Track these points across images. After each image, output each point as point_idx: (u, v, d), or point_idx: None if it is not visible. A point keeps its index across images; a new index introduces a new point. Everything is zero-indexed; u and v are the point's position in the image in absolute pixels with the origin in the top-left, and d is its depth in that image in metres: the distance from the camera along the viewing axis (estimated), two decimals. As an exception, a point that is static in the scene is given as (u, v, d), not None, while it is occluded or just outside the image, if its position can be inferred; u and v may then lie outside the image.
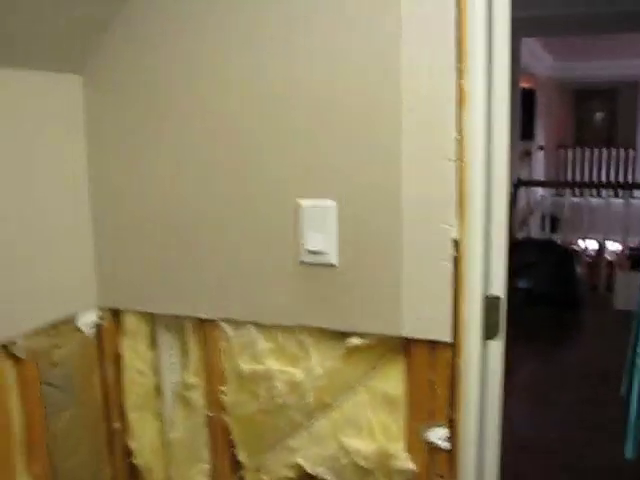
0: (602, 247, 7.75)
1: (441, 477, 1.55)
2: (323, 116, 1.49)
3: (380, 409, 1.58)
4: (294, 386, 1.63)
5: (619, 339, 4.43)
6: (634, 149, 10.72)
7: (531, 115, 9.14)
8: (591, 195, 8.37)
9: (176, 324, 1.79)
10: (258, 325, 1.65)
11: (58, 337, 1.73)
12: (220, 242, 1.63)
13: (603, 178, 10.80)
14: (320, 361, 1.60)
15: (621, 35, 7.18)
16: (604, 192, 8.49)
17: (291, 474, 1.72)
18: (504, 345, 1.57)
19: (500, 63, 1.44)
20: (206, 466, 1.84)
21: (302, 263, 1.55)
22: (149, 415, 1.90)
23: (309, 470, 1.67)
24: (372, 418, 1.59)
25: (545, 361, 4.74)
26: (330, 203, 1.50)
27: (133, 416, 1.89)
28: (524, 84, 8.20)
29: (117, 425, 1.92)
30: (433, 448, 1.54)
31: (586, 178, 10.74)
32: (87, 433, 1.86)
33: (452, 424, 1.53)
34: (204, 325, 1.72)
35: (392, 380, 1.56)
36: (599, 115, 10.60)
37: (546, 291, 5.83)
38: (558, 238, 7.73)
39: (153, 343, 1.86)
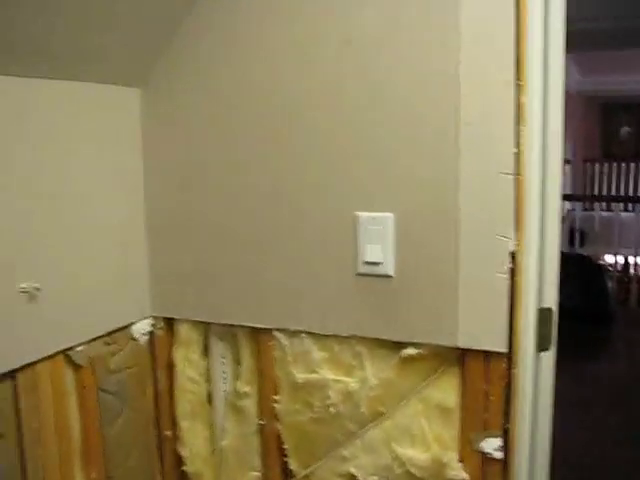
0: (627, 262, 7.71)
1: (494, 487, 1.57)
2: (382, 129, 1.52)
3: (434, 419, 1.60)
4: (348, 395, 1.65)
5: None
6: (662, 163, 10.66)
7: (558, 129, 9.07)
8: (620, 210, 8.32)
9: (229, 333, 1.82)
10: (313, 335, 1.67)
11: (114, 345, 1.77)
12: (277, 253, 1.66)
13: (630, 192, 10.73)
14: (375, 371, 1.62)
15: (647, 49, 7.15)
16: (631, 206, 8.43)
17: (343, 483, 1.74)
18: (555, 357, 1.58)
19: (555, 79, 1.47)
20: (257, 474, 1.86)
21: (359, 274, 1.58)
22: (200, 423, 1.93)
23: (361, 479, 1.69)
24: (426, 427, 1.60)
25: (577, 375, 4.72)
26: (388, 215, 1.53)
27: (184, 424, 1.91)
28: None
29: (168, 433, 1.95)
30: (486, 458, 1.56)
31: (613, 192, 10.69)
32: (139, 440, 1.89)
33: (505, 434, 1.54)
34: (258, 334, 1.75)
35: (446, 390, 1.58)
36: (626, 129, 10.56)
37: (577, 306, 5.79)
38: (586, 252, 7.69)
39: (206, 352, 1.89)
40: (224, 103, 1.69)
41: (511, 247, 1.45)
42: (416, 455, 1.61)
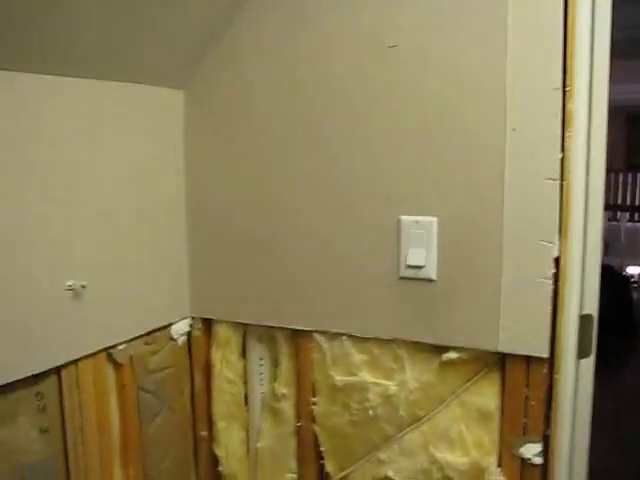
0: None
1: (532, 493, 1.56)
2: (426, 133, 1.52)
3: (473, 423, 1.60)
4: (387, 399, 1.66)
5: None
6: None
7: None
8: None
9: (268, 335, 1.83)
10: (353, 337, 1.68)
11: (154, 345, 1.79)
12: (318, 255, 1.68)
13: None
14: (415, 374, 1.63)
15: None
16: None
17: (380, 486, 1.74)
18: (594, 364, 1.58)
19: (600, 85, 1.47)
20: (292, 476, 1.87)
21: (401, 277, 1.58)
22: (236, 424, 1.94)
23: (398, 483, 1.70)
24: (465, 432, 1.61)
25: (602, 385, 4.67)
26: (432, 219, 1.53)
27: (221, 424, 1.92)
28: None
29: (204, 433, 1.96)
30: (525, 463, 1.56)
31: (637, 202, 10.60)
32: (175, 440, 1.90)
33: (545, 440, 1.54)
34: (297, 336, 1.76)
35: (486, 394, 1.58)
36: (651, 140, 10.48)
37: (602, 316, 5.73)
38: (610, 263, 7.63)
39: (243, 353, 1.90)
40: (265, 105, 1.70)
41: (555, 253, 1.45)
42: (455, 459, 1.61)
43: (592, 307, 1.54)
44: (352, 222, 1.62)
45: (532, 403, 1.52)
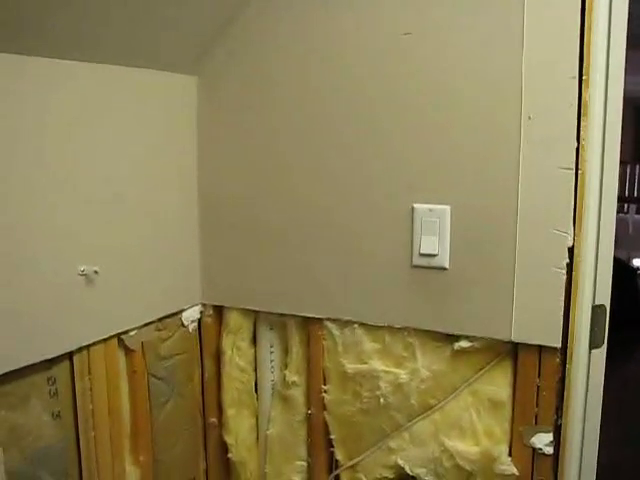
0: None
1: (543, 482, 1.56)
2: (441, 121, 1.52)
3: (485, 412, 1.60)
4: (398, 387, 1.66)
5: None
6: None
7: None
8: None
9: (279, 322, 1.83)
10: (365, 325, 1.68)
11: (165, 331, 1.79)
12: (331, 243, 1.67)
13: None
14: (426, 363, 1.63)
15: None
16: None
17: (389, 474, 1.74)
18: (605, 355, 1.58)
19: (616, 74, 1.46)
20: (302, 463, 1.87)
21: (414, 266, 1.58)
22: (246, 411, 1.94)
23: (408, 471, 1.69)
24: (476, 421, 1.60)
25: (609, 377, 4.66)
26: (445, 207, 1.53)
27: (231, 412, 1.93)
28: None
29: (213, 420, 1.97)
30: (536, 453, 1.55)
31: (644, 195, 10.57)
32: (185, 426, 1.91)
33: (557, 430, 1.54)
34: (308, 324, 1.76)
35: (498, 383, 1.58)
36: (661, 132, 10.41)
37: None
38: (618, 255, 7.60)
39: (254, 340, 1.90)
40: (278, 93, 1.70)
41: (569, 242, 1.44)
42: (465, 448, 1.61)
43: (604, 297, 1.54)
44: (365, 210, 1.62)
45: (544, 393, 1.52)
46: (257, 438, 1.97)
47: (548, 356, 1.50)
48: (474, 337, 1.56)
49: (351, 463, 1.78)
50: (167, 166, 1.74)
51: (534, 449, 1.55)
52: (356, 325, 1.69)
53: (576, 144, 1.41)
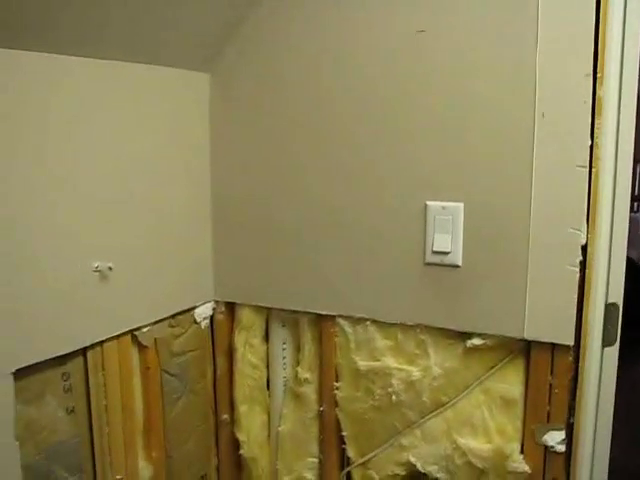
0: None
1: (555, 480, 1.56)
2: (454, 119, 1.52)
3: (497, 410, 1.60)
4: (410, 384, 1.66)
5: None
6: None
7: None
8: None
9: (291, 319, 1.84)
10: (377, 323, 1.68)
11: (178, 328, 1.80)
12: (343, 240, 1.68)
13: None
14: (438, 360, 1.63)
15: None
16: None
17: (401, 471, 1.74)
18: (618, 353, 1.58)
19: (630, 72, 1.45)
20: (314, 460, 1.88)
21: (427, 263, 1.58)
22: (258, 408, 1.95)
23: (420, 468, 1.70)
24: (488, 418, 1.61)
25: (618, 376, 4.63)
26: (458, 205, 1.53)
27: (242, 408, 1.93)
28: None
29: (225, 417, 1.97)
30: (548, 451, 1.55)
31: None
32: (197, 423, 1.91)
33: (569, 428, 1.53)
34: (321, 321, 1.77)
35: (510, 381, 1.58)
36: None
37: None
38: (629, 255, 7.56)
39: (266, 337, 1.91)
40: (291, 91, 1.70)
41: (582, 240, 1.44)
42: (477, 446, 1.61)
43: (617, 296, 1.54)
44: (378, 207, 1.62)
45: (556, 391, 1.52)
46: (269, 435, 1.97)
47: (561, 354, 1.50)
48: (486, 335, 1.56)
49: (363, 460, 1.79)
50: (180, 164, 1.75)
51: (546, 447, 1.55)
52: (368, 322, 1.69)
53: (590, 142, 1.41)
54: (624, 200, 1.50)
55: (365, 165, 1.62)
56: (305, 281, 1.74)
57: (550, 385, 1.53)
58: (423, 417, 1.67)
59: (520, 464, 1.57)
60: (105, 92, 1.50)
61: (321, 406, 1.82)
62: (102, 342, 1.56)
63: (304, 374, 1.82)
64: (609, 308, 1.52)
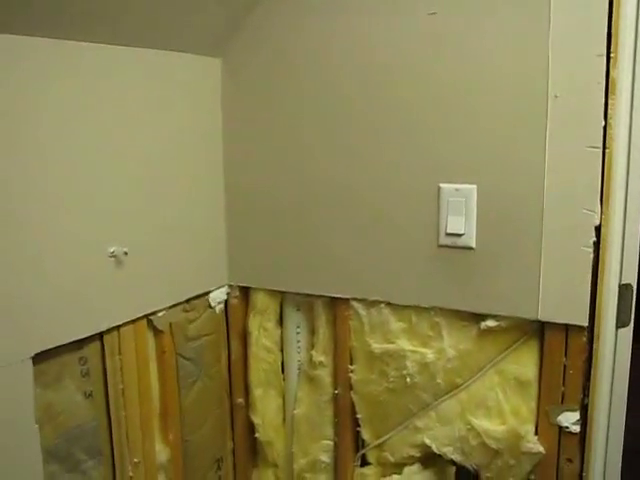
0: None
1: (569, 461, 1.57)
2: (466, 100, 1.52)
3: (511, 391, 1.60)
4: (424, 366, 1.67)
5: None
6: None
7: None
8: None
9: (305, 302, 1.84)
10: (391, 305, 1.69)
11: (192, 312, 1.81)
12: (357, 223, 1.68)
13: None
14: (452, 342, 1.63)
15: None
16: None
17: (415, 453, 1.75)
18: (631, 334, 1.58)
19: (643, 52, 1.45)
20: (329, 443, 1.89)
21: (440, 245, 1.58)
22: (273, 391, 1.96)
23: (435, 450, 1.71)
24: (502, 400, 1.61)
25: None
26: (471, 187, 1.53)
27: (257, 392, 1.95)
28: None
29: (240, 400, 1.99)
30: (563, 432, 1.56)
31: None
32: (213, 407, 1.93)
33: (583, 409, 1.54)
34: (335, 304, 1.77)
35: (524, 362, 1.58)
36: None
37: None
38: None
39: (280, 321, 1.92)
40: (302, 74, 1.70)
41: (596, 221, 1.44)
42: (492, 427, 1.62)
43: (632, 276, 1.54)
44: (391, 191, 1.62)
45: (570, 371, 1.52)
46: (284, 418, 1.99)
47: (575, 335, 1.51)
48: (500, 316, 1.56)
49: (377, 442, 1.80)
50: (194, 149, 1.75)
51: (560, 428, 1.56)
52: (383, 305, 1.70)
53: (603, 122, 1.40)
54: (638, 181, 1.49)
55: (378, 148, 1.62)
56: (319, 265, 1.75)
57: (564, 366, 1.53)
58: (437, 399, 1.68)
59: (535, 445, 1.57)
60: (118, 78, 1.50)
61: (336, 389, 1.83)
62: (118, 327, 1.58)
63: (318, 357, 1.83)
64: (623, 289, 1.52)
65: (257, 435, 1.97)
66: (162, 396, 1.75)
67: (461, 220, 1.54)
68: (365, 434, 1.82)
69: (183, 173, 1.71)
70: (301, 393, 1.90)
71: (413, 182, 1.59)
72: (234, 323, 1.94)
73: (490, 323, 1.57)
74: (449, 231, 1.56)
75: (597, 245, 1.46)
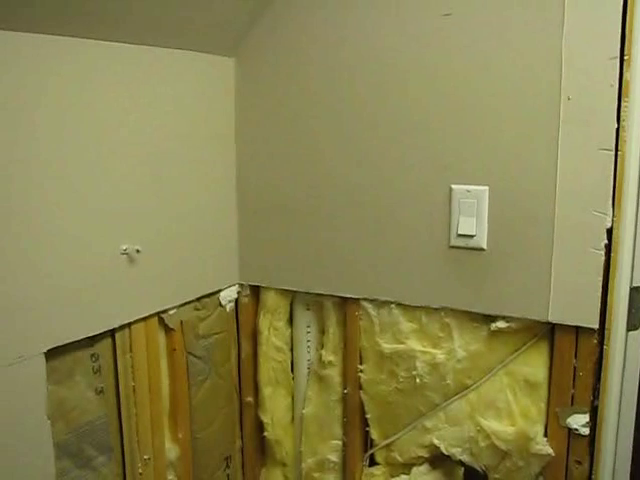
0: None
1: (579, 463, 1.57)
2: (479, 101, 1.52)
3: (520, 392, 1.61)
4: (434, 367, 1.67)
5: None
6: None
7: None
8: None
9: (315, 302, 1.85)
10: (401, 305, 1.69)
11: (203, 310, 1.81)
12: (368, 223, 1.68)
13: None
14: (462, 343, 1.64)
15: None
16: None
17: (424, 454, 1.76)
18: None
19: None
20: (338, 442, 1.89)
21: (451, 246, 1.59)
22: (282, 391, 1.97)
23: (443, 450, 1.71)
24: (512, 401, 1.61)
25: None
26: (483, 188, 1.53)
27: (267, 391, 1.95)
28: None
29: (249, 399, 1.99)
30: (572, 434, 1.56)
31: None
32: (222, 405, 1.93)
33: (593, 411, 1.54)
34: (345, 304, 1.78)
35: (534, 364, 1.58)
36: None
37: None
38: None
39: (291, 320, 1.92)
40: (314, 74, 1.71)
41: (608, 224, 1.44)
42: (501, 428, 1.62)
43: (643, 280, 1.53)
44: (403, 191, 1.62)
45: (580, 374, 1.52)
46: (293, 417, 1.99)
47: (585, 337, 1.51)
48: (511, 317, 1.56)
49: (386, 442, 1.81)
50: (206, 148, 1.76)
51: (570, 430, 1.56)
52: (393, 305, 1.70)
53: (616, 125, 1.40)
54: (649, 183, 1.49)
55: (389, 149, 1.62)
56: (329, 264, 1.75)
57: (574, 368, 1.53)
58: (447, 400, 1.68)
59: (544, 447, 1.58)
60: (131, 76, 1.51)
61: (345, 389, 1.83)
62: (130, 324, 1.58)
63: (328, 357, 1.83)
64: (634, 292, 1.52)
65: (266, 434, 1.98)
66: (172, 394, 1.76)
67: (472, 221, 1.54)
68: (374, 434, 1.82)
69: (195, 171, 1.72)
70: (310, 392, 1.90)
71: (425, 183, 1.59)
72: (244, 322, 1.95)
73: (500, 324, 1.57)
74: (460, 232, 1.56)
75: (608, 247, 1.46)
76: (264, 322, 1.91)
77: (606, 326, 1.49)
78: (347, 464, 1.88)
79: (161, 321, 1.69)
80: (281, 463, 2.01)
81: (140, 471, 1.64)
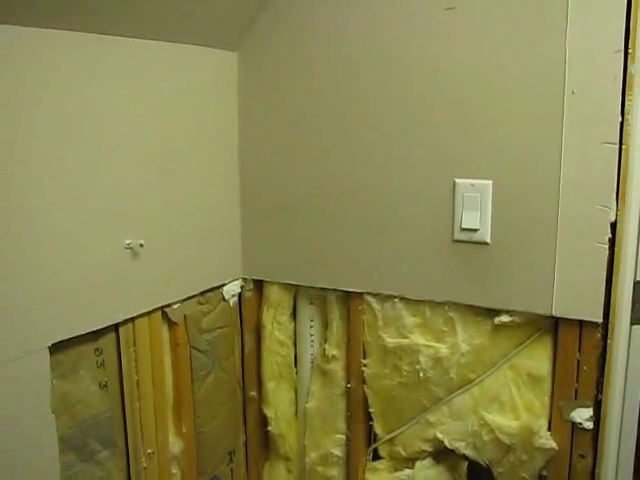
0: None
1: (582, 457, 1.57)
2: (482, 96, 1.51)
3: (524, 386, 1.60)
4: (438, 361, 1.67)
5: None
6: None
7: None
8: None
9: (319, 296, 1.85)
10: (405, 300, 1.69)
11: (207, 305, 1.82)
12: (371, 217, 1.68)
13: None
14: (466, 337, 1.64)
15: None
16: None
17: (427, 448, 1.76)
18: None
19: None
20: (341, 437, 1.89)
21: (455, 240, 1.59)
22: (286, 385, 1.97)
23: (447, 444, 1.71)
24: (516, 395, 1.61)
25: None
26: (487, 182, 1.53)
27: (270, 385, 1.95)
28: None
29: (253, 393, 2.00)
30: (576, 428, 1.56)
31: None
32: (226, 399, 1.94)
33: (596, 405, 1.54)
34: (349, 298, 1.78)
35: (538, 358, 1.58)
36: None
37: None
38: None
39: (294, 314, 1.92)
40: (317, 69, 1.70)
41: (612, 218, 1.44)
42: (505, 422, 1.62)
43: (646, 274, 1.53)
44: (406, 185, 1.62)
45: (584, 368, 1.52)
46: (296, 411, 2.00)
47: (589, 331, 1.51)
48: (515, 312, 1.56)
49: (390, 436, 1.81)
50: (209, 142, 1.76)
51: (574, 424, 1.56)
52: (396, 299, 1.70)
53: (620, 119, 1.40)
54: (654, 177, 1.49)
55: (393, 143, 1.62)
56: (333, 259, 1.75)
57: (578, 362, 1.53)
58: (450, 394, 1.68)
59: (547, 440, 1.58)
60: (134, 70, 1.51)
61: (348, 383, 1.83)
62: (133, 318, 1.59)
63: (332, 351, 1.83)
64: (638, 286, 1.52)
65: (269, 428, 1.98)
66: (176, 388, 1.76)
67: (476, 215, 1.54)
68: (377, 428, 1.82)
69: (199, 166, 1.72)
70: (314, 387, 1.90)
71: (428, 177, 1.59)
72: (248, 316, 1.95)
73: (504, 318, 1.57)
74: (464, 226, 1.56)
75: (612, 241, 1.45)
76: (267, 316, 1.91)
77: (610, 320, 1.48)
78: (351, 458, 1.88)
79: (165, 315, 1.69)
80: (285, 457, 2.01)
81: (144, 465, 1.64)
